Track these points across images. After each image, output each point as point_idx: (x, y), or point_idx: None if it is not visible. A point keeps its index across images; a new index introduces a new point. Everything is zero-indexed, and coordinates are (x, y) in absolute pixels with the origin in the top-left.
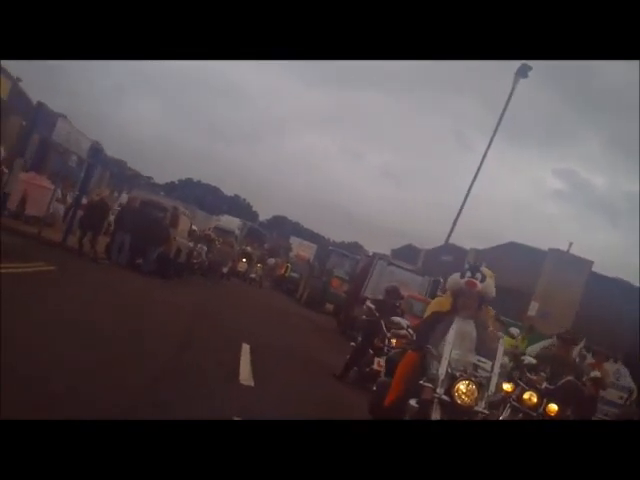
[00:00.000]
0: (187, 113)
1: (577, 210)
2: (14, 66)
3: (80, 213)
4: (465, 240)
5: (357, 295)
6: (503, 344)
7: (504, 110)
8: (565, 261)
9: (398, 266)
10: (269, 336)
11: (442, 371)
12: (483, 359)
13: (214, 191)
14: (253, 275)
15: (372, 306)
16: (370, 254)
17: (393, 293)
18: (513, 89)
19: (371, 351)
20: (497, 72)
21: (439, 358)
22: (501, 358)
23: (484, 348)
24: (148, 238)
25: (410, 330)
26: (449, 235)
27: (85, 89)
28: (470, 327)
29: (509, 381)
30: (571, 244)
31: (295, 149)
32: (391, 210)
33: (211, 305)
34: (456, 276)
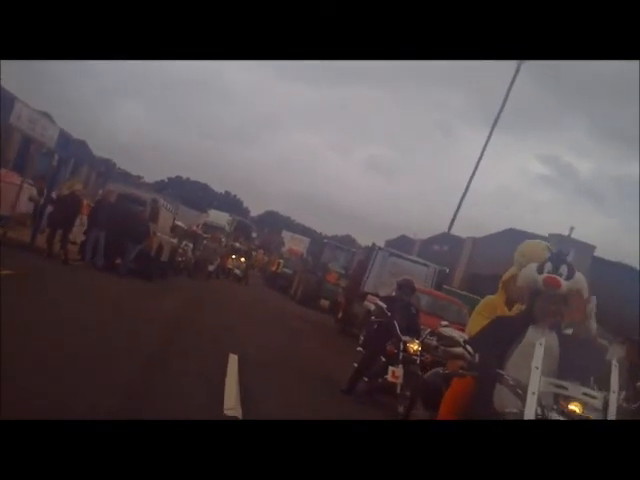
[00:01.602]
0: (174, 112)
1: (565, 195)
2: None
3: (50, 209)
4: (457, 229)
5: (356, 290)
6: (618, 367)
7: (507, 95)
8: (567, 246)
9: (400, 257)
10: (260, 342)
11: (530, 411)
12: (591, 391)
13: (204, 188)
14: (237, 271)
15: (383, 305)
16: (370, 245)
17: (406, 288)
18: (518, 70)
19: (383, 358)
20: (481, 62)
21: (519, 390)
22: (617, 387)
23: (573, 371)
24: (125, 235)
25: (469, 347)
26: (450, 225)
27: (71, 91)
28: (554, 342)
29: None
30: (572, 229)
31: (284, 145)
32: (381, 203)
33: (196, 308)
34: (532, 270)
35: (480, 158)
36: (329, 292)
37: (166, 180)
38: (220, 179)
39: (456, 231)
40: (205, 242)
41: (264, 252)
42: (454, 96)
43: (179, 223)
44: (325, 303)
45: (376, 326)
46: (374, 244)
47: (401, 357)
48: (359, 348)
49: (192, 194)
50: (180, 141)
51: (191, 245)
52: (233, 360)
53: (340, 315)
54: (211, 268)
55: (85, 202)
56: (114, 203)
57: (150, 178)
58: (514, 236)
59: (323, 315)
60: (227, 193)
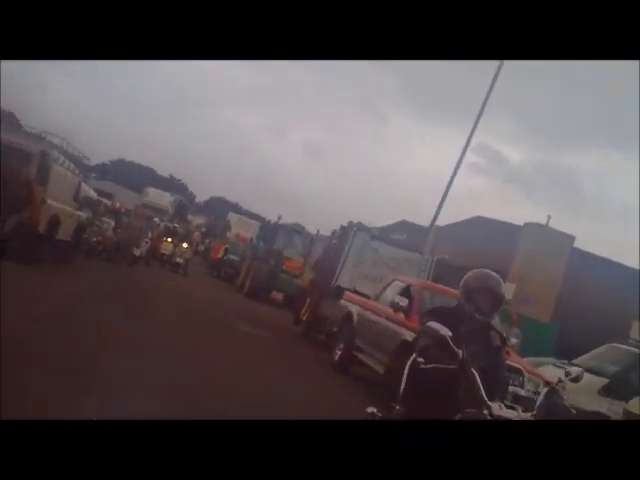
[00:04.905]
0: (115, 94)
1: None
2: None
3: None
4: (409, 216)
5: (326, 285)
6: None
7: (489, 93)
8: (544, 236)
9: (385, 241)
10: (188, 377)
11: None
12: None
13: (148, 172)
14: (179, 260)
15: (444, 332)
16: (345, 225)
17: (483, 295)
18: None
19: None
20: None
21: None
22: None
23: None
24: None
25: None
26: (434, 219)
27: (9, 74)
28: None
29: None
30: (549, 217)
31: (227, 128)
32: (330, 189)
33: (94, 313)
34: None
35: (464, 152)
36: (285, 284)
37: (108, 163)
38: (163, 163)
39: (406, 217)
40: (128, 219)
41: (202, 235)
42: (388, 80)
43: (89, 191)
44: (278, 296)
45: (430, 375)
46: (351, 222)
47: None
48: (395, 405)
49: (135, 177)
50: (120, 123)
51: (112, 223)
52: None
53: (304, 316)
54: (137, 252)
55: None
56: None
57: (90, 161)
58: (483, 224)
59: (277, 310)
60: (172, 177)
